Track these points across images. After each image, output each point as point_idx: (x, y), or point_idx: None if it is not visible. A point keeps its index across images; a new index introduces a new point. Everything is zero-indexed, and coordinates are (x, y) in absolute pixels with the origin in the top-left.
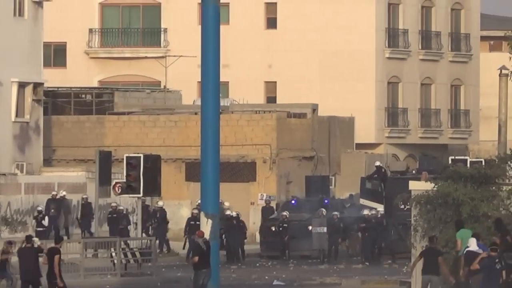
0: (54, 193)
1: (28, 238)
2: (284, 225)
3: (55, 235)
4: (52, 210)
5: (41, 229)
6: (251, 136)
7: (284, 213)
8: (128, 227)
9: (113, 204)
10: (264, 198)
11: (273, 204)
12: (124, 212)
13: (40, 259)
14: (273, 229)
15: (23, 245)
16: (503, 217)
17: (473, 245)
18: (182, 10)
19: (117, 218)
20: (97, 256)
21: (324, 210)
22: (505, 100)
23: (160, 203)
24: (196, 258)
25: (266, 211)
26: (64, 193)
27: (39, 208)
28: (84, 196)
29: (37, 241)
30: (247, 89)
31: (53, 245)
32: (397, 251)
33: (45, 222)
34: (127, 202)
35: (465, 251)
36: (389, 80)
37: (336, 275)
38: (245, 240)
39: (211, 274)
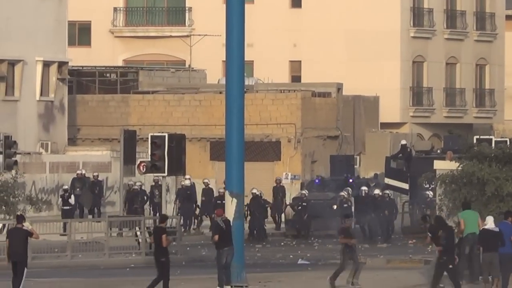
0: (79, 172)
1: (19, 219)
2: (304, 204)
3: (160, 215)
4: (78, 189)
5: (67, 207)
6: (275, 115)
7: (304, 192)
8: (145, 206)
9: (130, 183)
10: (289, 177)
11: (297, 183)
12: (139, 190)
13: (32, 239)
14: (295, 208)
15: (14, 225)
16: None
17: (490, 223)
18: None
19: (132, 197)
20: (121, 235)
21: (350, 189)
22: None
23: (187, 182)
24: (217, 237)
25: (277, 190)
26: (96, 173)
27: (65, 187)
28: (205, 181)
29: (27, 225)
30: (272, 68)
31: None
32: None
33: (72, 200)
34: (151, 181)
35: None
36: (414, 60)
37: (361, 254)
38: (266, 220)
39: (233, 252)
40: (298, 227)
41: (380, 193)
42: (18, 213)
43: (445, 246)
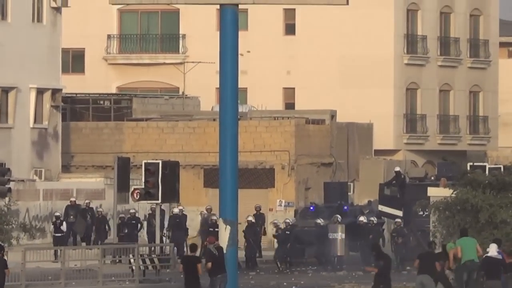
0: (72, 199)
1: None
2: (287, 232)
3: (191, 244)
4: (71, 217)
5: (59, 234)
6: (269, 142)
7: (287, 220)
8: (138, 232)
9: (121, 215)
10: (283, 204)
11: (291, 210)
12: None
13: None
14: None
15: None
16: None
17: (492, 250)
18: (200, 16)
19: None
20: (115, 262)
21: (339, 216)
22: None
23: (176, 210)
24: (209, 264)
25: (258, 218)
26: (88, 201)
27: (57, 214)
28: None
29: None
30: (266, 95)
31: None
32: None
33: (63, 227)
34: (145, 208)
35: (484, 257)
36: (408, 86)
37: (355, 282)
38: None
39: (227, 279)
40: (285, 256)
41: (365, 220)
42: None
43: (381, 274)
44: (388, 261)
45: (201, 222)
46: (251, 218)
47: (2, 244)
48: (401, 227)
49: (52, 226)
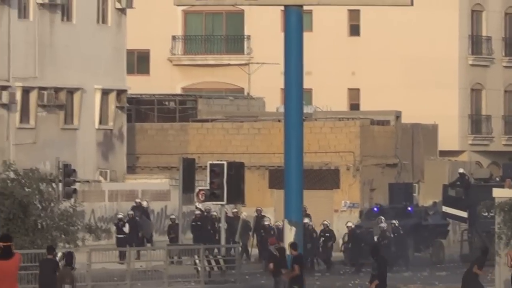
0: (138, 200)
1: (49, 249)
2: (327, 234)
3: (279, 247)
4: (137, 218)
5: (121, 236)
6: (334, 143)
7: (325, 222)
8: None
9: (197, 212)
10: (347, 205)
11: (355, 211)
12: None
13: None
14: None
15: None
16: None
17: None
18: (265, 17)
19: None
20: (181, 263)
21: (382, 218)
22: None
23: (244, 214)
24: (271, 265)
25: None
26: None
27: (120, 215)
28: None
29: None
30: (331, 96)
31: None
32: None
33: (126, 229)
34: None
35: None
36: (473, 87)
37: (420, 283)
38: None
39: None
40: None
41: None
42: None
43: (377, 275)
44: (383, 263)
45: (242, 225)
46: (307, 220)
47: (52, 245)
48: (384, 230)
49: (114, 228)
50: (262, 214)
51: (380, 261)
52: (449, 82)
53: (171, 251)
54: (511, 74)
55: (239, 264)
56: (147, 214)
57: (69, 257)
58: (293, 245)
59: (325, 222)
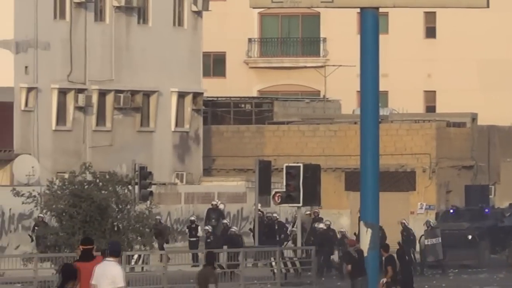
0: (214, 202)
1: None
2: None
3: (384, 244)
4: (213, 220)
5: (193, 239)
6: (410, 145)
7: (403, 221)
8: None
9: (268, 215)
10: (424, 207)
11: (432, 213)
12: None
13: None
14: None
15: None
16: None
17: None
18: (341, 19)
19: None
20: (257, 265)
21: (431, 221)
22: None
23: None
24: (349, 267)
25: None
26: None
27: (192, 218)
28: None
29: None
30: (407, 99)
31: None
32: None
33: (199, 232)
34: (286, 211)
35: None
36: None
37: (496, 284)
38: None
39: (368, 282)
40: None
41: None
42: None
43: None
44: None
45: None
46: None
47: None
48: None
49: (187, 230)
50: (320, 216)
51: (404, 267)
52: None
53: (247, 253)
54: None
55: (315, 266)
56: (223, 216)
57: (211, 257)
58: (384, 247)
59: (403, 221)
